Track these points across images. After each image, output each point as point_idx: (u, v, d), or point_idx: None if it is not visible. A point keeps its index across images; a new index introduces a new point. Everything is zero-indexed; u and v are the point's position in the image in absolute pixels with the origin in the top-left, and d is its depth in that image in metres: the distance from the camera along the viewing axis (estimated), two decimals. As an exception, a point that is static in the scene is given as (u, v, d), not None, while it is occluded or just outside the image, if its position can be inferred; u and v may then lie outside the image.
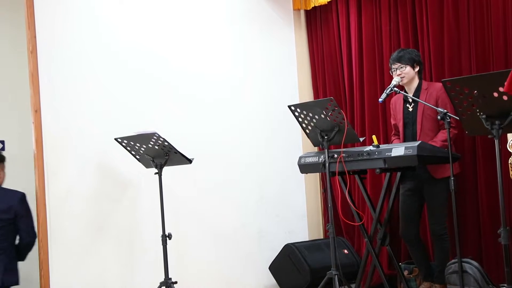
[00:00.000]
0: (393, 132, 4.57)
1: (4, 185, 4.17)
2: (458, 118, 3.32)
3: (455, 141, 4.25)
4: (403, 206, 4.43)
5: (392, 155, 3.90)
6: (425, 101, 4.16)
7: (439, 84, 4.23)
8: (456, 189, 3.74)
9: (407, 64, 4.30)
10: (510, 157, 3.70)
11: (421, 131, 4.27)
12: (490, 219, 4.33)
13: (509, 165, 3.71)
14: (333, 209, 3.99)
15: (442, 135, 4.17)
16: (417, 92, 4.32)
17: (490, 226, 4.32)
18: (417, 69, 4.33)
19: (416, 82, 4.35)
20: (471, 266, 4.00)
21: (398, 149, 3.89)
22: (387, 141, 4.78)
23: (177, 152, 4.12)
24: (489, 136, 3.10)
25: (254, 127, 5.31)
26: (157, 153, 4.17)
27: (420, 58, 4.38)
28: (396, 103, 4.47)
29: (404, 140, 4.37)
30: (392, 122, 4.56)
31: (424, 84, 4.34)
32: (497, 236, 3.15)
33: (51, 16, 4.39)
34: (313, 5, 5.41)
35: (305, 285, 4.81)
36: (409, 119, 4.36)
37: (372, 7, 5.08)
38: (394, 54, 4.38)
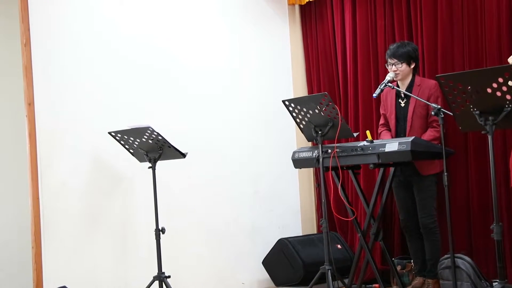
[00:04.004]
0: (381, 122, 4.58)
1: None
2: (451, 114, 3.32)
3: (445, 138, 4.23)
4: (398, 199, 4.46)
5: (386, 151, 3.90)
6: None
7: (432, 82, 4.24)
8: (448, 185, 3.74)
9: (403, 61, 4.28)
10: None
11: (410, 128, 4.28)
12: (481, 215, 4.35)
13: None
14: (327, 204, 3.99)
15: (429, 133, 4.19)
16: (409, 88, 4.32)
17: (481, 222, 4.34)
18: (412, 65, 4.32)
19: (409, 78, 4.34)
20: (464, 262, 4.02)
21: (391, 145, 3.89)
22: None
23: (170, 146, 4.11)
24: (483, 132, 3.10)
25: (248, 122, 5.30)
26: (151, 147, 4.16)
27: (417, 54, 4.35)
28: (388, 95, 4.47)
29: (396, 136, 4.38)
30: (381, 111, 4.57)
31: (417, 80, 4.33)
32: (488, 232, 3.15)
33: (45, 8, 4.36)
34: (307, 0, 5.40)
35: (298, 280, 4.82)
36: (401, 114, 4.37)
37: (366, 2, 5.08)
38: (392, 48, 4.34)
